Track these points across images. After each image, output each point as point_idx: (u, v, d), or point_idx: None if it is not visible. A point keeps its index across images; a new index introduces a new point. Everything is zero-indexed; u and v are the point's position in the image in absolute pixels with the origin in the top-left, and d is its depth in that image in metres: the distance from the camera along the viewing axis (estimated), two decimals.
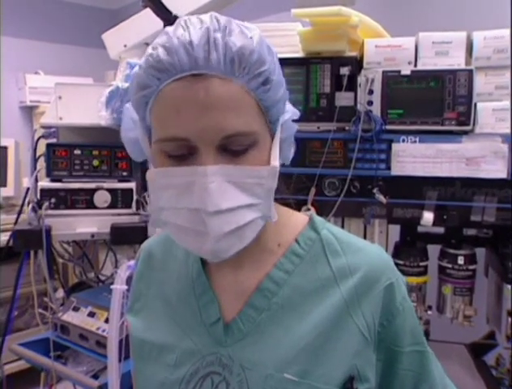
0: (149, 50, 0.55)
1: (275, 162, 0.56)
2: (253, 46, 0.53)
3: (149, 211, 0.61)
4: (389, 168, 1.26)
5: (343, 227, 1.35)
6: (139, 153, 0.63)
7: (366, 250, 0.63)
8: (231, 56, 0.51)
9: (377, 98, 1.26)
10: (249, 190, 0.54)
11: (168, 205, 0.56)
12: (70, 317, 1.49)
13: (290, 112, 0.61)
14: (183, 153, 0.53)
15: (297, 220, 0.66)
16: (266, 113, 0.56)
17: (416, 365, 0.63)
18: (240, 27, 0.54)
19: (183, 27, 0.53)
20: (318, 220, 0.66)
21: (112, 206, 1.53)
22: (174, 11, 1.36)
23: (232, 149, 0.53)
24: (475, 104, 1.21)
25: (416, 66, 1.26)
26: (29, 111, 3.51)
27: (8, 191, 2.51)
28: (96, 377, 1.42)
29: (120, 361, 1.20)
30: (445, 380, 0.67)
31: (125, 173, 1.56)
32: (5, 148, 2.53)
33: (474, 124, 1.22)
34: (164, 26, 1.39)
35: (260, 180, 0.55)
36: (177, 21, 0.56)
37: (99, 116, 1.48)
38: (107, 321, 1.37)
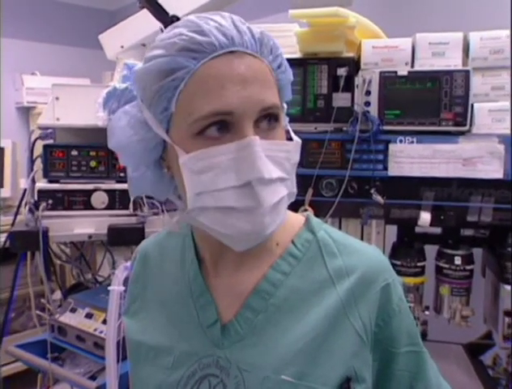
0: (171, 39, 0.55)
1: (296, 138, 0.60)
2: (267, 33, 0.58)
3: (186, 201, 0.58)
4: (386, 168, 1.26)
5: (340, 228, 1.35)
6: (137, 157, 0.61)
7: (363, 251, 0.64)
8: (258, 37, 0.56)
9: (374, 99, 1.26)
10: (281, 165, 0.56)
11: (207, 188, 0.54)
12: (67, 318, 1.48)
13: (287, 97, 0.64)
14: (222, 132, 0.54)
15: (294, 220, 0.66)
16: (280, 94, 0.60)
17: (412, 365, 0.63)
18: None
19: (197, 19, 0.56)
20: (315, 221, 0.66)
21: (109, 207, 1.52)
22: (171, 12, 1.36)
23: (263, 126, 0.55)
24: (472, 105, 1.22)
25: (412, 66, 1.27)
26: (26, 112, 3.50)
27: (5, 192, 2.51)
28: (93, 378, 1.41)
29: (118, 362, 1.20)
30: (440, 380, 0.68)
31: (122, 174, 1.56)
32: (2, 149, 2.52)
33: (471, 125, 1.22)
34: (163, 27, 1.39)
35: (288, 154, 0.57)
36: (185, 18, 0.57)
37: (96, 117, 1.47)
38: (104, 322, 1.37)
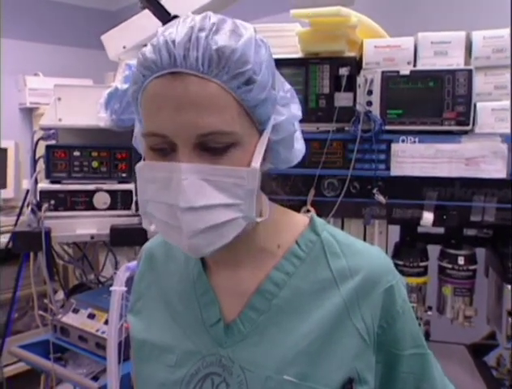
0: (143, 48, 0.57)
1: (256, 163, 0.55)
2: (236, 45, 0.53)
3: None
4: (388, 168, 1.26)
5: (342, 228, 1.35)
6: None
7: (366, 252, 0.63)
8: (210, 54, 0.52)
9: (376, 98, 1.26)
10: (227, 190, 0.54)
11: (151, 198, 0.57)
12: (69, 319, 1.49)
13: (286, 115, 0.60)
14: (164, 148, 0.54)
15: (297, 221, 0.66)
16: (251, 114, 0.55)
17: (417, 367, 0.63)
18: (233, 26, 0.55)
19: (175, 25, 0.55)
20: (319, 221, 0.66)
21: (111, 207, 1.53)
22: (173, 12, 1.36)
23: (211, 147, 0.53)
24: (475, 104, 1.21)
25: (415, 66, 1.26)
26: (29, 113, 3.50)
27: (8, 193, 2.51)
28: (95, 379, 1.41)
29: (119, 362, 1.20)
30: (445, 380, 0.68)
31: (124, 175, 1.56)
32: (5, 150, 2.53)
33: (473, 124, 1.21)
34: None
35: (239, 180, 0.54)
36: (178, 19, 0.57)
37: (98, 117, 1.48)
38: (107, 323, 1.36)
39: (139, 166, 0.58)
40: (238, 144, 0.54)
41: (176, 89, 0.52)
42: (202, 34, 0.52)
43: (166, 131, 0.53)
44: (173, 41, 0.52)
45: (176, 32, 0.53)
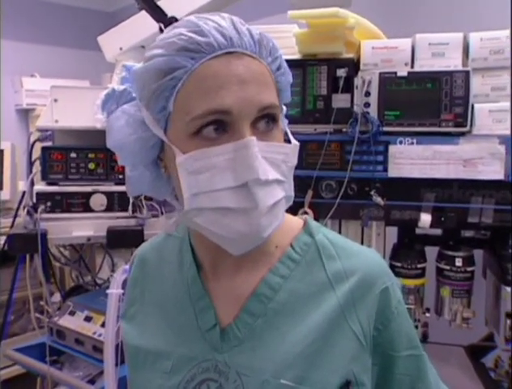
0: (171, 38, 0.55)
1: (294, 140, 0.60)
2: (267, 35, 0.58)
3: (182, 202, 0.57)
4: (386, 170, 1.26)
5: (340, 229, 1.35)
6: (136, 156, 0.61)
7: (361, 254, 0.63)
8: (258, 38, 0.56)
9: (374, 100, 1.26)
10: (278, 167, 0.55)
11: (203, 189, 0.54)
12: (66, 321, 1.48)
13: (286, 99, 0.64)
14: (219, 132, 0.54)
15: (292, 223, 0.66)
16: (279, 96, 0.59)
17: (413, 369, 0.63)
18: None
19: (197, 20, 0.56)
20: (313, 224, 0.66)
21: (108, 209, 1.52)
22: (170, 13, 1.35)
23: (260, 128, 0.55)
24: (472, 106, 1.21)
25: (412, 67, 1.26)
26: (25, 114, 3.49)
27: (4, 195, 2.50)
28: (92, 382, 1.41)
29: (116, 365, 1.20)
30: (439, 383, 0.67)
31: (121, 176, 1.55)
32: (1, 151, 2.52)
33: (471, 125, 1.22)
34: (160, 28, 1.38)
35: (286, 157, 0.57)
36: (185, 18, 0.57)
37: (94, 119, 1.47)
38: (103, 325, 1.36)
39: (183, 159, 0.54)
40: (277, 122, 0.57)
41: (237, 67, 0.54)
42: (239, 24, 0.56)
43: (231, 106, 0.52)
44: (222, 26, 0.55)
45: (211, 21, 0.55)
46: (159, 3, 1.40)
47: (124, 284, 1.17)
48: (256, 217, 0.53)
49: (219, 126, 0.53)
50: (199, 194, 0.55)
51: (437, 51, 1.24)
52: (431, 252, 1.39)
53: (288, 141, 0.61)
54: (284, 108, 0.64)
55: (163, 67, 0.54)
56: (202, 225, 0.56)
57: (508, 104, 1.19)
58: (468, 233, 1.38)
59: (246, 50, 0.55)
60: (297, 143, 0.60)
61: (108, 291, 1.17)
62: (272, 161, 0.54)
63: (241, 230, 0.54)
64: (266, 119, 0.55)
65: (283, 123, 0.62)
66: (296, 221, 0.67)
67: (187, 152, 0.54)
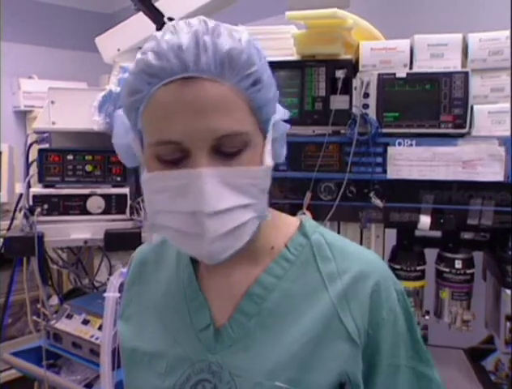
0: (138, 56, 0.55)
1: (269, 162, 0.57)
2: (241, 47, 0.53)
3: (146, 216, 0.60)
4: (385, 171, 1.25)
5: (339, 231, 1.34)
6: (132, 159, 0.62)
7: (358, 254, 0.63)
8: (221, 57, 0.52)
9: (372, 101, 1.25)
10: (244, 191, 0.54)
11: (163, 208, 0.55)
12: (63, 325, 1.47)
13: (280, 112, 0.61)
14: (176, 157, 0.53)
15: (289, 224, 0.66)
16: (257, 114, 0.56)
17: (390, 381, 0.60)
18: (228, 30, 0.54)
19: (171, 32, 0.53)
20: (309, 224, 0.65)
21: (105, 211, 1.51)
22: (168, 15, 1.34)
23: (225, 151, 0.53)
24: (472, 107, 1.20)
25: (411, 68, 1.25)
26: (23, 116, 3.48)
27: (2, 197, 2.48)
28: (89, 386, 1.40)
29: (113, 369, 1.19)
30: None
31: (118, 179, 1.54)
32: None
33: (470, 127, 1.21)
34: (157, 29, 1.38)
35: (254, 180, 0.55)
36: (165, 26, 0.56)
37: (92, 120, 1.47)
38: (101, 328, 1.35)
39: (145, 178, 0.56)
40: (249, 145, 0.55)
41: (189, 94, 0.51)
42: (207, 38, 0.52)
43: (181, 138, 0.51)
44: (180, 46, 0.51)
45: (177, 37, 0.52)
46: (156, 4, 1.39)
47: (121, 288, 1.17)
48: (207, 244, 0.53)
49: (178, 152, 0.53)
50: (160, 211, 0.56)
51: (436, 52, 1.24)
52: (430, 254, 1.38)
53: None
54: (283, 112, 0.61)
55: (130, 87, 0.55)
56: (169, 240, 0.59)
57: (508, 105, 1.18)
58: (468, 235, 1.37)
59: (203, 74, 0.51)
60: (270, 166, 0.57)
61: (105, 294, 1.16)
62: (235, 186, 0.54)
63: (197, 253, 0.56)
64: (229, 145, 0.53)
65: (270, 137, 0.58)
66: (292, 221, 0.66)
67: (151, 171, 0.56)
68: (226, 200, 0.53)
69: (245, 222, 0.55)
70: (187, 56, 0.51)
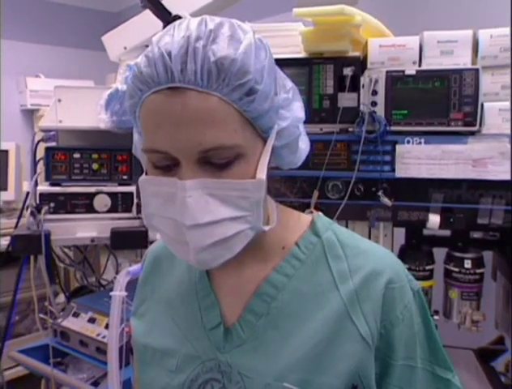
0: (138, 58, 0.54)
1: (261, 175, 0.54)
2: (235, 55, 0.50)
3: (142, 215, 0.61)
4: (393, 170, 1.24)
5: None
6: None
7: (371, 252, 0.61)
8: (208, 67, 0.49)
9: (381, 99, 1.23)
10: (233, 203, 0.53)
11: (156, 212, 0.56)
12: (70, 323, 1.47)
13: (290, 118, 0.58)
14: (168, 164, 0.53)
15: (300, 221, 0.65)
16: (254, 124, 0.54)
17: (405, 381, 0.59)
18: (231, 31, 0.52)
19: (170, 34, 0.52)
20: (321, 222, 0.64)
21: (112, 210, 1.51)
22: (174, 12, 1.34)
23: (215, 162, 0.52)
24: (482, 105, 1.19)
25: (420, 65, 1.24)
26: (30, 114, 3.50)
27: (9, 195, 2.49)
28: (96, 384, 1.40)
29: (120, 367, 1.18)
30: None
31: (125, 177, 1.54)
32: (6, 152, 2.51)
33: (480, 124, 1.19)
34: (164, 27, 1.37)
35: (245, 193, 0.53)
36: (170, 25, 0.55)
37: (98, 119, 1.46)
38: (107, 327, 1.35)
39: (142, 180, 0.57)
40: (242, 156, 0.52)
41: (174, 105, 0.49)
42: (199, 44, 0.49)
43: (167, 148, 0.51)
44: (169, 54, 0.49)
45: (171, 41, 0.50)
46: (163, 2, 1.38)
47: (128, 286, 1.16)
48: (192, 253, 0.54)
49: (168, 159, 0.53)
50: (154, 215, 0.57)
51: (446, 49, 1.22)
52: (439, 253, 1.36)
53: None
54: (300, 115, 0.59)
55: (128, 90, 0.55)
56: (163, 242, 0.60)
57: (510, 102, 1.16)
58: (477, 234, 1.35)
59: (189, 84, 0.49)
60: (262, 179, 0.53)
61: (111, 293, 1.16)
62: (224, 198, 0.52)
63: (186, 259, 0.56)
64: (216, 158, 0.51)
65: (270, 146, 0.55)
66: (305, 219, 0.65)
67: (148, 174, 0.56)
68: (211, 213, 0.52)
69: (234, 234, 0.54)
70: (174, 65, 0.49)
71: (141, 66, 0.52)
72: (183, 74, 0.49)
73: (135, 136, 0.61)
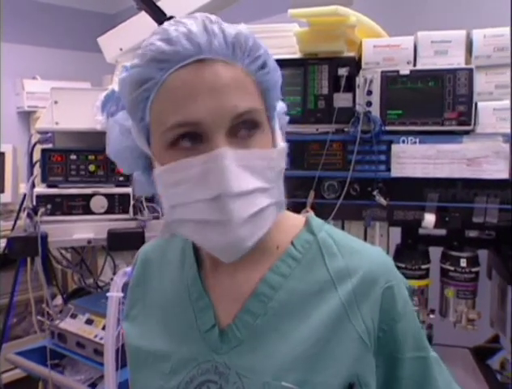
0: (143, 48, 0.55)
1: (282, 143, 0.58)
2: (247, 33, 0.55)
3: (163, 214, 0.60)
4: (389, 169, 1.24)
5: (342, 230, 1.33)
6: (133, 163, 0.62)
7: (365, 252, 0.62)
8: (231, 40, 0.54)
9: (376, 99, 1.24)
10: (261, 174, 0.54)
11: (181, 201, 0.54)
12: (67, 324, 1.47)
13: (280, 105, 0.63)
14: (189, 144, 0.53)
15: (294, 221, 0.65)
16: (265, 97, 0.57)
17: (419, 372, 0.61)
18: (228, 24, 0.56)
19: (175, 24, 0.54)
20: (315, 222, 0.65)
21: (109, 211, 1.51)
22: (169, 13, 1.34)
23: (241, 134, 0.53)
24: (476, 104, 1.19)
25: (415, 65, 1.25)
26: (27, 116, 3.49)
27: (6, 197, 2.49)
28: (93, 386, 1.40)
29: (117, 369, 1.18)
30: (452, 386, 0.65)
31: (121, 178, 1.54)
32: (2, 154, 2.51)
33: (475, 124, 1.20)
34: None
35: (270, 162, 0.55)
36: (165, 23, 0.56)
37: (94, 120, 1.47)
38: (104, 328, 1.35)
39: (159, 172, 0.55)
40: (261, 126, 0.55)
41: (207, 75, 0.52)
42: (214, 25, 0.54)
43: (203, 116, 0.51)
44: (191, 31, 0.52)
45: (184, 26, 0.53)
46: (158, 4, 1.39)
47: (124, 287, 1.17)
48: (232, 230, 0.52)
49: (193, 136, 0.53)
50: (177, 206, 0.55)
51: (440, 49, 1.23)
52: (435, 252, 1.37)
53: (287, 141, 0.60)
54: (283, 105, 0.63)
55: (137, 78, 0.54)
56: (187, 236, 0.57)
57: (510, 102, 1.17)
58: (473, 233, 1.36)
59: (217, 55, 0.53)
60: (284, 146, 0.58)
61: (108, 294, 1.16)
62: (253, 169, 0.53)
63: (220, 242, 0.54)
64: (245, 126, 0.54)
65: (276, 123, 0.60)
66: (298, 219, 0.66)
67: (165, 164, 0.54)
68: (247, 182, 0.52)
69: (265, 207, 0.54)
70: (200, 39, 0.52)
71: (161, 47, 0.52)
72: (210, 46, 0.52)
73: (135, 137, 0.59)
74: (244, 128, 0.53)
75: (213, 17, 0.55)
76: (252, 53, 0.55)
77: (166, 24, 0.55)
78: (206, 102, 0.51)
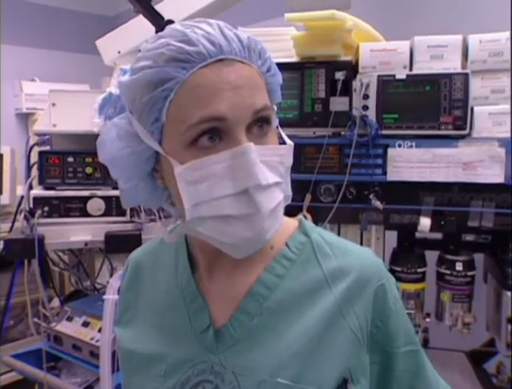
0: (151, 50, 0.55)
1: (289, 140, 0.61)
2: (254, 37, 0.59)
3: (176, 210, 0.61)
4: (385, 173, 1.25)
5: (339, 233, 1.34)
6: (132, 168, 0.60)
7: (356, 252, 0.64)
8: (246, 43, 0.57)
9: (372, 103, 1.25)
10: (275, 169, 0.56)
11: (205, 198, 0.54)
12: (63, 327, 1.47)
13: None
14: (214, 141, 0.54)
15: (287, 224, 0.66)
16: (270, 97, 0.60)
17: (412, 364, 0.64)
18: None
19: (190, 27, 0.56)
20: (308, 224, 0.67)
21: (106, 214, 1.51)
22: (167, 17, 1.35)
23: (255, 132, 0.56)
24: (472, 108, 1.20)
25: (411, 70, 1.25)
26: (25, 118, 3.50)
27: (3, 199, 2.49)
28: (89, 388, 1.39)
29: (113, 372, 1.19)
30: (437, 377, 0.68)
31: None
32: (0, 156, 2.50)
33: (471, 128, 1.20)
34: (157, 32, 1.38)
35: (281, 158, 0.57)
36: (170, 27, 0.57)
37: (92, 123, 1.47)
38: (101, 331, 1.35)
39: (182, 170, 0.54)
40: (272, 124, 0.58)
41: (229, 73, 0.54)
42: (225, 29, 0.57)
43: (225, 112, 0.53)
44: (210, 33, 0.55)
45: (201, 29, 0.55)
46: (156, 7, 1.39)
47: (120, 290, 1.17)
48: (259, 222, 0.54)
49: (215, 134, 0.54)
50: (200, 203, 0.55)
51: (436, 53, 1.24)
52: (431, 256, 1.37)
53: (282, 142, 0.61)
54: (275, 108, 0.64)
55: (153, 79, 0.54)
56: (206, 234, 0.57)
57: (508, 106, 1.18)
58: (469, 237, 1.36)
59: (236, 56, 0.55)
60: (292, 143, 0.60)
61: (104, 297, 1.16)
62: (270, 164, 0.55)
63: (244, 236, 0.55)
64: (260, 123, 0.56)
65: (276, 123, 0.62)
66: (291, 222, 0.67)
67: (184, 163, 0.54)
68: (269, 176, 0.54)
69: (280, 201, 0.57)
70: (221, 41, 0.55)
71: (182, 47, 0.54)
72: (230, 47, 0.55)
73: (146, 140, 0.57)
74: (258, 125, 0.56)
75: (221, 22, 0.58)
76: (261, 55, 0.58)
77: (177, 27, 0.56)
78: (229, 98, 0.53)
